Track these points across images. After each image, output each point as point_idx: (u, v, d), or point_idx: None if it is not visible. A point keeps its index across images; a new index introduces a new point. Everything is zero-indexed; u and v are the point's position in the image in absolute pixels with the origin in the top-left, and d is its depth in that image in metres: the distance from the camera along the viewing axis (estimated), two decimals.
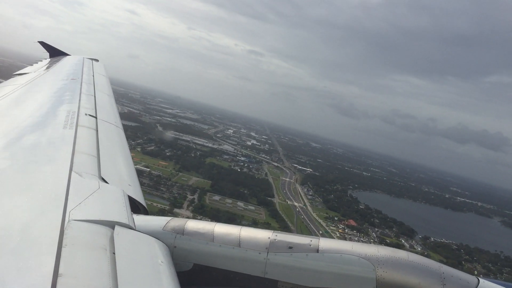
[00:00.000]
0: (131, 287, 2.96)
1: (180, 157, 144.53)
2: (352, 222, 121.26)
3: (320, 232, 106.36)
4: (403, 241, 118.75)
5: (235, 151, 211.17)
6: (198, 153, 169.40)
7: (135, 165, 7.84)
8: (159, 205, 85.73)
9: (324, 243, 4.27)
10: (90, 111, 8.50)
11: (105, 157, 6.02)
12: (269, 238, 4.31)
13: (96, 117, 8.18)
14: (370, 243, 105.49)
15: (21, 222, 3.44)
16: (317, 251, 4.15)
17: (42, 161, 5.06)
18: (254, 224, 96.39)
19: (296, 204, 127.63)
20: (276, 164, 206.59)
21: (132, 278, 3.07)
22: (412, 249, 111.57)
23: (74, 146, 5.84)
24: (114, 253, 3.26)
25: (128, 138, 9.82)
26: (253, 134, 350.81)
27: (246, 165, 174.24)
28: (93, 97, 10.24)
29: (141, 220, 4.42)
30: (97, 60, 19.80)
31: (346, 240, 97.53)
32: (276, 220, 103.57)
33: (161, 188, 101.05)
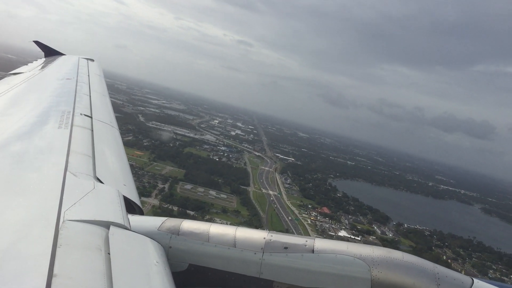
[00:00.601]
0: None
1: (157, 147, 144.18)
2: (326, 210, 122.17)
3: (289, 218, 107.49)
4: (375, 227, 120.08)
5: (217, 141, 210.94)
6: (178, 143, 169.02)
7: None
8: None
9: (320, 244, 4.25)
10: (85, 111, 8.48)
11: (100, 157, 6.00)
12: (264, 238, 4.30)
13: (91, 117, 8.15)
14: (341, 229, 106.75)
15: (16, 222, 3.43)
16: (312, 251, 4.14)
17: (37, 161, 5.04)
18: (224, 212, 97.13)
19: (271, 192, 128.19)
20: (257, 153, 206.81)
21: (127, 278, 3.07)
22: (383, 235, 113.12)
23: (69, 146, 5.79)
24: (109, 254, 3.25)
25: None
26: (239, 124, 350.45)
27: (225, 154, 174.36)
28: (88, 96, 10.17)
29: (136, 220, 4.40)
30: (92, 60, 19.70)
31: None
32: (247, 208, 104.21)
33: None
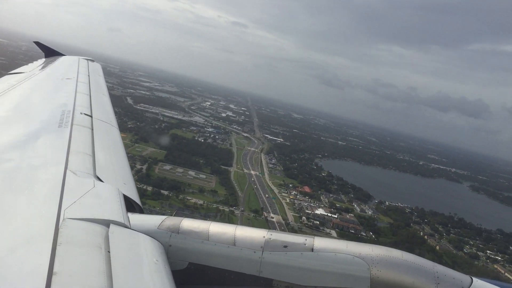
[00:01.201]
0: (126, 286, 2.98)
1: (141, 129, 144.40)
2: (307, 189, 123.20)
3: (267, 195, 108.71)
4: (355, 205, 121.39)
5: (205, 122, 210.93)
6: (163, 124, 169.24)
7: None
8: None
9: (319, 242, 4.25)
10: (85, 110, 8.50)
11: (100, 156, 6.02)
12: (264, 237, 4.30)
13: (91, 116, 8.18)
14: (319, 207, 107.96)
15: (16, 220, 3.48)
16: (312, 250, 4.15)
17: (37, 159, 5.08)
18: (200, 192, 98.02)
19: (253, 172, 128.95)
20: (246, 134, 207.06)
21: (127, 276, 3.10)
22: (362, 213, 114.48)
23: (69, 145, 5.84)
24: (109, 252, 3.28)
25: None
26: (231, 106, 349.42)
27: (212, 136, 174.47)
28: (89, 96, 10.20)
29: (136, 219, 4.40)
30: (92, 60, 19.92)
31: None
32: (225, 188, 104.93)
33: None
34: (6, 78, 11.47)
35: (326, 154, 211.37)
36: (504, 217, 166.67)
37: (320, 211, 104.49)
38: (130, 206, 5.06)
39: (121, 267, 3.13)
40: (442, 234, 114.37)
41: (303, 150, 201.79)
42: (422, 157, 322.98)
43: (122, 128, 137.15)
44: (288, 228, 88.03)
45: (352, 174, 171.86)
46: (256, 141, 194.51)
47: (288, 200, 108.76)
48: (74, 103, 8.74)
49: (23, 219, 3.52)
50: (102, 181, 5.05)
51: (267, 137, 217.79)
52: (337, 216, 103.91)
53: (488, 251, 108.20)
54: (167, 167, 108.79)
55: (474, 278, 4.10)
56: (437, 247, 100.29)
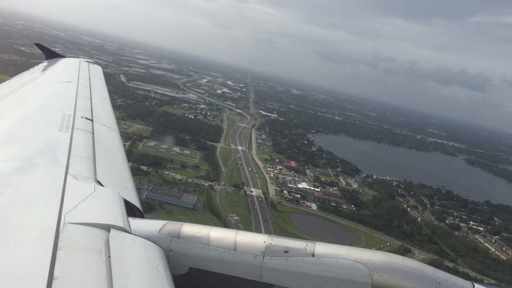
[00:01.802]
0: None
1: (130, 106, 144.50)
2: (293, 164, 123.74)
3: (250, 169, 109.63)
4: (341, 179, 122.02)
5: (199, 99, 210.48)
6: (154, 102, 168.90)
7: None
8: None
9: (320, 248, 4.23)
10: (86, 113, 8.46)
11: (101, 160, 6.01)
12: (265, 242, 4.29)
13: (92, 120, 8.15)
14: (303, 182, 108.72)
15: (17, 224, 3.48)
16: (313, 255, 4.14)
17: (38, 163, 5.08)
18: (182, 167, 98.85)
19: (239, 148, 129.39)
20: (239, 111, 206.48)
21: (128, 281, 3.11)
22: (347, 187, 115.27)
23: (70, 149, 5.84)
24: (109, 257, 3.30)
25: None
26: (229, 83, 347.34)
27: (203, 112, 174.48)
28: (89, 100, 10.10)
29: (136, 223, 4.41)
30: (93, 63, 19.94)
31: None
32: (208, 163, 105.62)
33: None
34: (8, 82, 11.56)
35: (320, 129, 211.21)
36: (496, 189, 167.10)
37: (303, 185, 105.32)
38: (131, 210, 5.04)
39: (121, 272, 3.15)
40: (426, 206, 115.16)
41: (296, 125, 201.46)
42: (421, 131, 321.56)
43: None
44: (266, 202, 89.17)
45: (343, 148, 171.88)
46: (249, 117, 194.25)
47: (272, 175, 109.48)
48: (75, 106, 8.72)
49: (23, 224, 3.51)
50: (103, 186, 5.04)
51: (261, 113, 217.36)
52: (320, 189, 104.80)
53: (471, 222, 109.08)
54: (152, 143, 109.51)
55: (475, 284, 4.11)
56: (419, 219, 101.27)
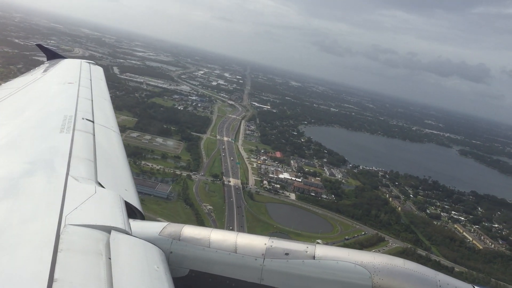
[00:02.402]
0: None
1: (118, 98, 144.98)
2: (278, 154, 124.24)
3: (231, 158, 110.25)
4: (325, 169, 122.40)
5: (191, 91, 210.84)
6: (144, 93, 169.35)
7: None
8: None
9: (321, 250, 4.23)
10: (87, 115, 8.45)
11: (101, 162, 6.02)
12: (265, 244, 4.29)
13: (93, 122, 8.15)
14: (285, 172, 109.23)
15: (17, 226, 3.50)
16: (314, 257, 4.14)
17: (39, 165, 5.09)
18: (163, 158, 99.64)
19: (225, 139, 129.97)
20: (231, 102, 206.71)
21: (128, 283, 3.12)
22: (330, 177, 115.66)
23: (70, 150, 5.84)
24: (110, 258, 3.32)
25: None
26: (226, 75, 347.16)
27: (194, 104, 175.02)
28: (90, 101, 10.07)
29: (137, 225, 4.43)
30: (94, 64, 20.25)
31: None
32: (191, 154, 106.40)
33: None
34: (9, 83, 11.73)
35: (312, 120, 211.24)
36: (486, 179, 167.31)
37: (284, 175, 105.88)
38: (132, 212, 5.03)
39: (122, 274, 3.17)
40: (409, 196, 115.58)
41: (288, 117, 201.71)
42: (418, 122, 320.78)
43: None
44: (244, 192, 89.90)
45: (334, 140, 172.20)
46: (240, 109, 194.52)
47: (255, 165, 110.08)
48: (76, 108, 8.71)
49: (24, 225, 3.52)
50: (104, 187, 5.05)
51: (254, 104, 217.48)
52: (301, 180, 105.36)
53: (453, 212, 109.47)
54: (135, 134, 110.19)
55: (476, 287, 4.14)
56: (399, 208, 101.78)
